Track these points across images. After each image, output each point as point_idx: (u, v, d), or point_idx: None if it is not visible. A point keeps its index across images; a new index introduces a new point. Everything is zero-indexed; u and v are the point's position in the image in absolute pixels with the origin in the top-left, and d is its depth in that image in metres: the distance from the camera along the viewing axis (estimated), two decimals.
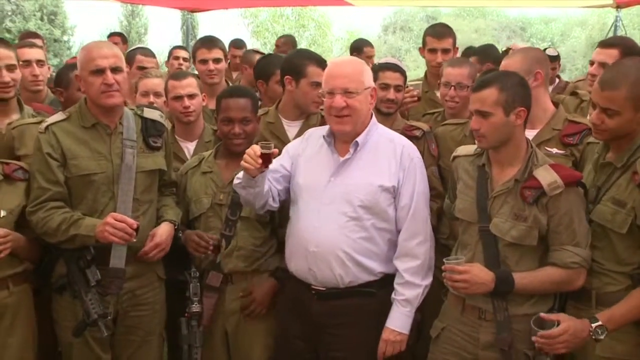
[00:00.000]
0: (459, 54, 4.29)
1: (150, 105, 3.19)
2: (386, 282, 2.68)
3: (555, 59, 5.10)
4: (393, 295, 2.66)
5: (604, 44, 3.49)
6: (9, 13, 22.39)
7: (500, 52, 4.70)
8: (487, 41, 7.25)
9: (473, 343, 2.50)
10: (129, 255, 2.75)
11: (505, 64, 3.00)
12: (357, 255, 2.62)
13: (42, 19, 22.83)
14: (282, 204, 2.87)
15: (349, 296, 2.65)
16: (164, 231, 2.82)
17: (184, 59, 5.46)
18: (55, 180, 2.69)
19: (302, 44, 25.33)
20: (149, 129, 2.86)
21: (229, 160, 2.98)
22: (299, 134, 3.12)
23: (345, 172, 2.66)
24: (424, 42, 4.09)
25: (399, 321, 2.64)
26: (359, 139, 2.66)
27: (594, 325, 2.26)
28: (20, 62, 3.31)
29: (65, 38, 23.91)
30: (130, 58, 4.21)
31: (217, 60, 4.19)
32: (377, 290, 2.67)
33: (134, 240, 2.62)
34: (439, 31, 4.06)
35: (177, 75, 3.49)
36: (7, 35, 18.44)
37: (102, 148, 2.75)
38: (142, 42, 24.34)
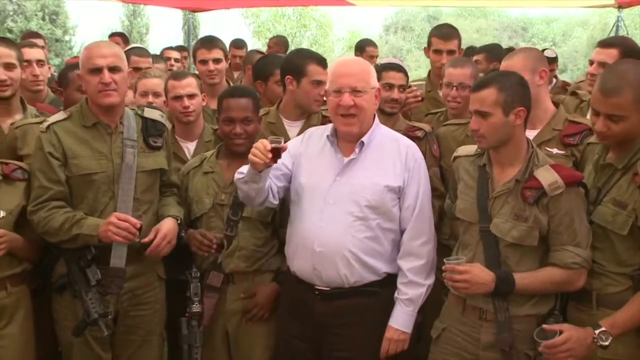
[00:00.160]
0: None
1: (151, 105, 3.19)
2: (389, 281, 2.69)
3: (554, 60, 5.09)
4: (396, 295, 2.67)
5: (604, 43, 3.48)
6: (11, 13, 22.41)
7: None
8: (488, 41, 7.24)
9: (474, 343, 2.49)
10: (130, 254, 2.74)
11: (508, 64, 2.99)
12: (363, 255, 2.62)
13: (43, 19, 22.85)
14: (283, 204, 2.87)
15: (353, 296, 2.65)
16: (168, 225, 2.79)
17: (175, 60, 5.46)
18: (57, 179, 2.69)
19: (303, 44, 25.40)
20: (149, 128, 2.86)
21: (230, 161, 2.98)
22: (300, 134, 3.12)
23: (350, 172, 2.66)
24: (429, 43, 4.09)
25: (402, 320, 2.65)
26: (364, 139, 2.66)
27: (597, 331, 2.25)
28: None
29: (66, 38, 23.92)
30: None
31: (217, 61, 4.18)
32: (381, 290, 2.67)
33: (137, 239, 2.62)
34: (445, 32, 4.05)
35: (177, 75, 3.48)
36: (8, 35, 18.43)
37: (103, 147, 2.75)
38: (143, 42, 24.36)
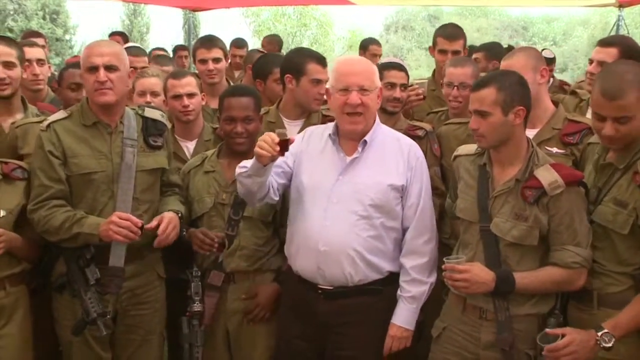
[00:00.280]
0: None
1: (152, 105, 3.19)
2: (392, 280, 2.70)
3: (552, 61, 5.09)
4: (399, 292, 2.68)
5: (604, 42, 3.47)
6: (11, 12, 22.42)
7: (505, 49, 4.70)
8: (489, 40, 7.22)
9: (474, 343, 2.49)
10: (130, 254, 2.74)
11: (509, 63, 2.99)
12: (367, 253, 2.62)
13: (44, 18, 22.86)
14: (283, 203, 2.88)
15: (357, 295, 2.65)
16: (169, 214, 2.74)
17: (185, 57, 5.45)
18: (57, 177, 2.69)
19: (304, 43, 25.42)
20: (149, 128, 2.85)
21: (231, 160, 2.97)
22: (300, 133, 3.11)
23: (353, 171, 2.66)
24: (435, 42, 4.08)
25: (405, 317, 2.67)
26: (367, 138, 2.67)
27: (599, 333, 2.24)
28: None
29: (67, 37, 23.94)
30: None
31: (216, 60, 4.17)
32: (384, 288, 2.68)
33: (138, 238, 2.62)
34: (451, 33, 4.04)
35: (176, 74, 3.47)
36: (9, 34, 18.43)
37: (103, 147, 2.75)
38: (144, 41, 24.37)
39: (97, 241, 2.63)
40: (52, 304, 2.83)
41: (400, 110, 3.43)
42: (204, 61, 4.19)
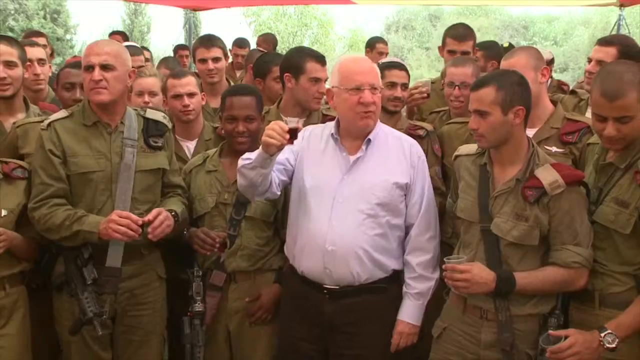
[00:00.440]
0: None
1: (155, 107, 3.19)
2: (395, 278, 2.72)
3: (551, 62, 5.08)
4: (405, 289, 2.70)
5: (603, 41, 3.47)
6: (12, 12, 22.43)
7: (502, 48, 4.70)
8: (489, 40, 7.22)
9: (475, 343, 2.49)
10: (129, 254, 2.75)
11: (509, 63, 2.99)
12: (374, 252, 2.63)
13: (45, 18, 22.87)
14: (284, 203, 2.88)
15: (362, 293, 2.65)
16: (166, 211, 2.70)
17: (186, 57, 5.44)
18: (58, 176, 2.69)
19: (304, 43, 25.42)
20: (150, 128, 2.85)
21: (233, 159, 2.95)
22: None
23: (358, 170, 2.66)
24: (444, 43, 4.09)
25: (412, 313, 2.69)
26: (370, 136, 2.67)
27: (603, 334, 2.24)
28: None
29: (68, 37, 23.96)
30: None
31: (216, 59, 4.17)
32: (388, 286, 2.70)
33: (138, 237, 2.61)
34: (460, 33, 4.05)
35: (176, 73, 3.48)
36: (10, 34, 18.45)
37: (102, 146, 2.75)
38: (144, 40, 24.38)
39: (96, 239, 2.63)
40: (52, 303, 2.83)
41: (400, 110, 3.44)
42: (203, 60, 4.18)
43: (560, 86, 4.65)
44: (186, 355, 2.90)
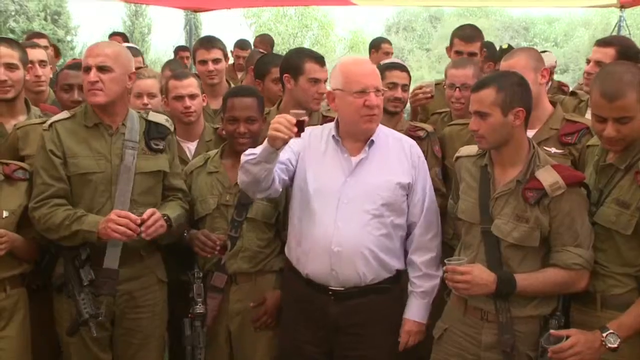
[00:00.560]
0: None
1: (159, 111, 3.19)
2: (398, 277, 2.73)
3: (553, 68, 5.08)
4: (410, 288, 2.73)
5: (601, 42, 3.48)
6: (13, 13, 22.45)
7: (498, 49, 4.71)
8: (488, 41, 7.22)
9: (475, 344, 2.49)
10: (128, 256, 2.75)
11: (509, 64, 2.99)
12: (380, 252, 2.64)
13: (45, 19, 22.89)
14: (285, 205, 2.88)
15: (367, 294, 2.66)
16: (159, 214, 2.69)
17: (187, 58, 5.44)
18: (59, 176, 2.70)
19: (305, 44, 25.44)
20: (151, 131, 2.85)
21: (234, 160, 2.95)
22: None
23: (362, 171, 2.67)
24: (452, 43, 4.08)
25: (419, 312, 2.72)
26: (373, 138, 2.68)
27: (604, 334, 2.24)
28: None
29: (68, 38, 23.96)
30: None
31: (216, 61, 4.17)
32: (391, 286, 2.71)
33: (136, 236, 2.61)
34: (468, 34, 4.04)
35: (178, 75, 3.48)
36: (10, 35, 18.47)
37: (102, 148, 2.76)
38: (145, 42, 24.41)
39: (95, 239, 2.63)
40: (53, 305, 2.83)
41: (401, 111, 3.44)
42: (203, 62, 4.19)
43: (560, 87, 4.65)
44: (187, 357, 2.90)
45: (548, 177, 2.39)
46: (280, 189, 2.71)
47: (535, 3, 12.07)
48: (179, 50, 7.16)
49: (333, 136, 2.72)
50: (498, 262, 2.45)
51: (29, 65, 3.30)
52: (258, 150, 2.49)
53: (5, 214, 2.67)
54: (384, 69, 3.35)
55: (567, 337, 2.26)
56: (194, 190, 3.02)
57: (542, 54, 3.26)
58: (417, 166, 2.73)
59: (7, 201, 2.70)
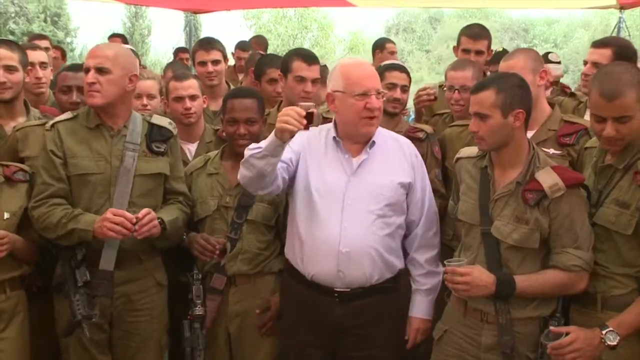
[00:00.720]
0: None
1: (162, 114, 3.19)
2: (400, 277, 2.75)
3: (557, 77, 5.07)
4: (415, 286, 2.75)
5: (597, 43, 3.47)
6: (13, 15, 22.46)
7: (495, 52, 4.70)
8: None
9: (475, 345, 2.49)
10: (126, 259, 2.75)
11: (508, 65, 2.99)
12: (385, 252, 2.66)
13: (45, 21, 22.90)
14: (285, 207, 2.87)
15: (372, 294, 2.66)
16: (154, 215, 2.68)
17: (187, 59, 5.43)
18: (59, 176, 2.70)
19: (304, 45, 25.42)
20: (153, 133, 2.85)
21: (234, 162, 2.94)
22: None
23: (364, 172, 2.67)
24: (459, 42, 4.08)
25: (425, 309, 2.75)
26: (374, 138, 2.69)
27: (604, 331, 2.24)
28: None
29: (68, 40, 23.97)
30: None
31: (215, 62, 4.16)
32: (394, 285, 2.72)
33: (131, 234, 2.60)
34: (475, 32, 4.03)
35: (178, 76, 3.48)
36: (10, 37, 18.48)
37: (103, 149, 2.76)
38: (145, 43, 24.41)
39: (91, 238, 2.63)
40: (53, 306, 2.83)
41: (400, 112, 3.44)
42: (203, 63, 4.18)
43: (562, 89, 4.65)
44: (186, 358, 2.90)
45: (548, 178, 2.39)
46: (282, 187, 2.69)
47: (534, 4, 12.04)
48: (178, 51, 7.16)
49: (334, 137, 2.72)
50: (498, 264, 2.45)
51: (30, 67, 3.30)
52: (263, 144, 2.48)
53: (6, 215, 2.68)
54: (383, 70, 3.36)
55: (567, 334, 2.27)
56: (194, 191, 3.02)
57: (551, 65, 3.25)
58: (415, 165, 2.75)
59: (7, 203, 2.71)
